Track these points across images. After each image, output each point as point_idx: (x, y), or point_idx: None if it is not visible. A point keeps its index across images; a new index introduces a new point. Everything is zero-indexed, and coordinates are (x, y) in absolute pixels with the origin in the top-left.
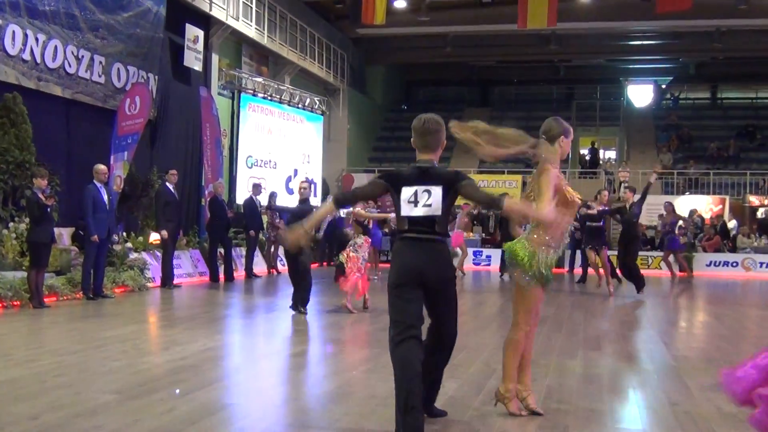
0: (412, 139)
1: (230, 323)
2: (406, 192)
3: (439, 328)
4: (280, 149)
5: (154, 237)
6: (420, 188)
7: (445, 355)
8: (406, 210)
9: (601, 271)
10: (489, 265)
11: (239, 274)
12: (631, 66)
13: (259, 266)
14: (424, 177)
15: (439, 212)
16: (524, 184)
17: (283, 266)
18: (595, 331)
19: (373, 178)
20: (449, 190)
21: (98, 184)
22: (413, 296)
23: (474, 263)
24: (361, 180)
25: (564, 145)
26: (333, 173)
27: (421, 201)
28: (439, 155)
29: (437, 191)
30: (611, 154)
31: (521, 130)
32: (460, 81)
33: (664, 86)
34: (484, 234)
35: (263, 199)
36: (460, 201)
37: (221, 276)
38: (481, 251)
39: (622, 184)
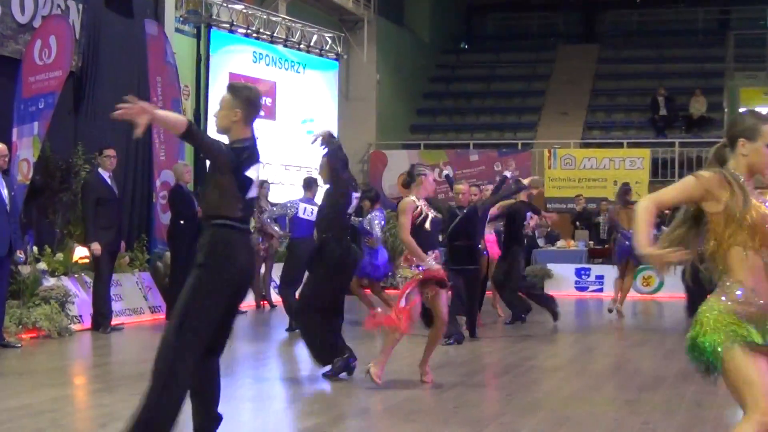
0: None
1: None
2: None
3: None
4: (273, 114)
5: (82, 253)
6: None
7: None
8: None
9: None
10: (601, 290)
11: None
12: None
13: None
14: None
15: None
16: (654, 162)
17: (279, 296)
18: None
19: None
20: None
21: None
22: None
23: (577, 287)
24: (399, 161)
25: (749, 150)
26: (355, 150)
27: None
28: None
29: None
30: None
31: (648, 77)
32: (549, 5)
33: None
34: (592, 242)
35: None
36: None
37: None
38: (588, 269)
39: None
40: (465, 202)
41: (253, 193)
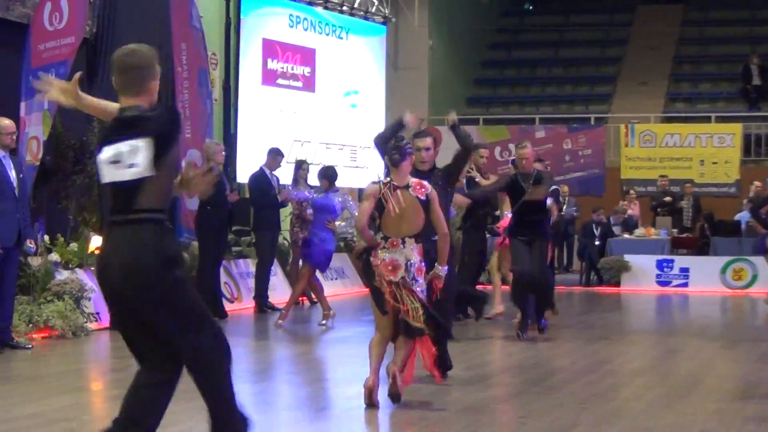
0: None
1: None
2: (107, 152)
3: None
4: (312, 86)
5: (98, 242)
6: (123, 144)
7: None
8: (108, 175)
9: None
10: (686, 284)
11: (245, 304)
12: None
13: (279, 291)
14: (127, 128)
15: (148, 173)
16: (746, 139)
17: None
18: None
19: None
20: (162, 140)
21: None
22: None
23: (658, 281)
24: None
25: None
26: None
27: (125, 161)
28: (148, 99)
29: (142, 145)
30: None
31: (739, 41)
32: None
33: None
34: (675, 230)
35: (285, 176)
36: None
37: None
38: (672, 261)
39: None
40: (530, 167)
41: None
